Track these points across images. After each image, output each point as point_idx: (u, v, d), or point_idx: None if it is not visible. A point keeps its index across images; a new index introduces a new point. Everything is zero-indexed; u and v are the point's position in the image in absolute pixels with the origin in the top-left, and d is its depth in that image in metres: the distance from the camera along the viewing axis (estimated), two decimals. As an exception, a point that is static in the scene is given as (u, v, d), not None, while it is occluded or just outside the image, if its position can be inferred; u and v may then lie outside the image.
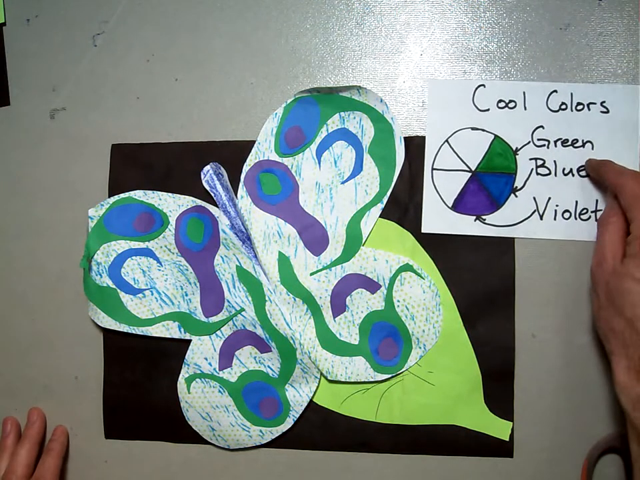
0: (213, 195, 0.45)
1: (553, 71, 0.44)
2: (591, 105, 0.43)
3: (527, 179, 0.44)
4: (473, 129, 0.44)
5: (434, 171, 0.44)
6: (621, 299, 0.36)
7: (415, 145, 0.45)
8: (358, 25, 0.46)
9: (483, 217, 0.44)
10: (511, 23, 0.44)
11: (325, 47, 0.46)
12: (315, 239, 0.45)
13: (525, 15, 0.44)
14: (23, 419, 0.49)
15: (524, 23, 0.44)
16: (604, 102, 0.43)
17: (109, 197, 0.47)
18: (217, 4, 0.47)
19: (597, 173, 0.42)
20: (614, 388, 0.36)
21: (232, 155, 0.46)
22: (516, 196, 0.44)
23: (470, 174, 0.44)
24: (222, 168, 0.46)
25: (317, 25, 0.46)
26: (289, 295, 0.45)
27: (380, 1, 0.46)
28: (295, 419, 0.45)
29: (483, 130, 0.44)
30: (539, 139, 0.44)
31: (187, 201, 0.46)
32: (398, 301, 0.44)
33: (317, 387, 0.45)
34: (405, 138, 0.44)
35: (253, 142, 0.46)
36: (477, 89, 0.44)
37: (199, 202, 0.46)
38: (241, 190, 0.45)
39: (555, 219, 0.43)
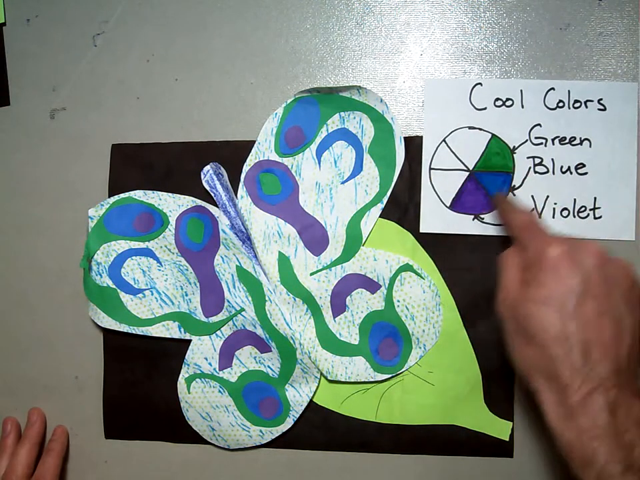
0: (212, 195, 0.45)
1: (552, 70, 0.44)
2: (588, 103, 0.43)
3: (525, 177, 0.44)
4: (470, 128, 0.44)
5: (431, 171, 0.44)
6: (530, 327, 0.34)
7: (415, 145, 0.45)
8: (358, 24, 0.46)
9: (481, 216, 0.44)
10: (511, 23, 0.44)
11: (325, 47, 0.46)
12: (314, 238, 0.45)
13: (525, 14, 0.44)
14: (23, 419, 0.49)
15: (524, 23, 0.44)
16: (601, 99, 0.43)
17: (109, 196, 0.47)
18: (217, 4, 0.47)
19: (497, 214, 0.42)
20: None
21: (232, 155, 0.46)
22: (514, 194, 0.44)
23: (467, 173, 0.44)
24: (222, 168, 0.46)
25: (317, 25, 0.46)
26: (289, 295, 0.45)
27: (380, 1, 0.46)
28: (295, 419, 0.45)
29: (480, 129, 0.44)
30: (536, 137, 0.44)
31: (187, 201, 0.46)
32: (398, 301, 0.44)
33: (317, 387, 0.45)
34: (404, 138, 0.44)
35: (253, 142, 0.46)
36: (473, 87, 0.44)
37: (199, 202, 0.46)
38: (241, 190, 0.45)
39: (553, 217, 0.43)
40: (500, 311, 0.37)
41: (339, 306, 0.45)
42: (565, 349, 0.33)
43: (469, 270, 0.44)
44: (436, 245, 0.44)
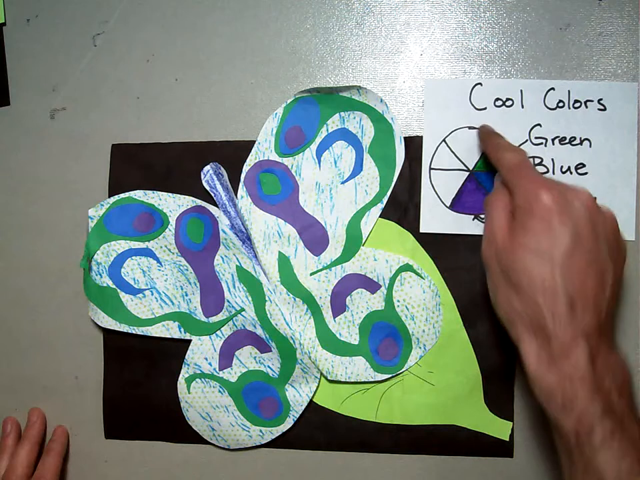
0: (212, 195, 0.45)
1: (552, 71, 0.44)
2: (588, 103, 0.43)
3: (526, 178, 0.44)
4: (470, 128, 0.44)
5: (431, 171, 0.44)
6: (517, 275, 0.34)
7: (415, 145, 0.44)
8: (358, 24, 0.46)
9: (482, 216, 0.44)
10: (511, 23, 0.44)
11: (325, 47, 0.46)
12: (314, 239, 0.45)
13: (525, 14, 0.44)
14: (22, 419, 0.49)
15: (524, 23, 0.44)
16: (601, 99, 0.43)
17: (109, 196, 0.47)
18: (217, 4, 0.47)
19: (483, 147, 0.41)
20: (526, 378, 0.34)
21: (232, 154, 0.46)
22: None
23: (467, 173, 0.44)
24: (222, 168, 0.46)
25: (317, 25, 0.46)
26: (289, 295, 0.45)
27: (380, 1, 0.46)
28: (295, 419, 0.45)
29: (481, 129, 0.44)
30: (536, 137, 0.44)
31: (187, 201, 0.46)
32: (398, 301, 0.44)
33: (317, 387, 0.45)
34: (405, 138, 0.44)
35: (253, 142, 0.46)
36: (473, 87, 0.44)
37: (199, 202, 0.46)
38: (241, 190, 0.45)
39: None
40: (485, 257, 0.37)
41: (339, 306, 0.45)
42: (552, 298, 0.33)
43: (469, 270, 0.44)
44: (436, 244, 0.44)
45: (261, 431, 0.46)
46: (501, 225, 0.36)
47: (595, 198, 0.35)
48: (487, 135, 0.41)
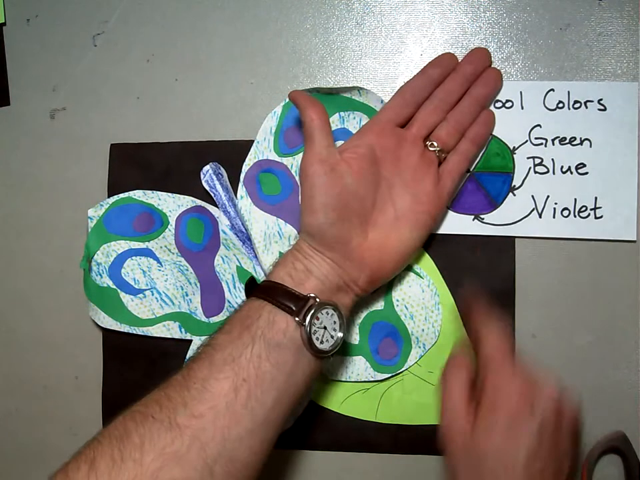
0: (212, 195, 0.45)
1: (552, 71, 0.44)
2: (588, 103, 0.43)
3: (525, 177, 0.44)
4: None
5: (433, 171, 0.44)
6: (479, 467, 0.33)
7: (415, 145, 0.44)
8: (358, 24, 0.46)
9: (481, 216, 0.44)
10: (511, 23, 0.44)
11: (325, 47, 0.46)
12: (314, 238, 0.45)
13: (525, 14, 0.44)
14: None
15: (524, 23, 0.44)
16: (601, 99, 0.43)
17: (109, 196, 0.47)
18: (217, 4, 0.47)
19: (468, 316, 0.39)
20: None
21: (231, 154, 0.46)
22: (514, 195, 0.44)
23: (467, 173, 0.44)
24: (221, 168, 0.46)
25: (317, 25, 0.46)
26: (288, 294, 0.45)
27: (380, 1, 0.46)
28: (295, 419, 0.45)
29: (482, 130, 0.44)
30: (536, 138, 0.44)
31: (187, 201, 0.46)
32: (397, 301, 0.44)
33: (317, 387, 0.45)
34: (404, 138, 0.44)
35: (253, 142, 0.46)
36: (474, 88, 0.44)
37: (199, 202, 0.46)
38: (241, 190, 0.45)
39: (553, 217, 0.43)
40: (445, 439, 0.36)
41: (339, 306, 0.45)
42: None
43: (470, 270, 0.44)
44: (436, 244, 0.44)
45: (261, 430, 0.46)
46: (460, 408, 0.35)
47: (561, 392, 0.34)
48: (473, 305, 0.39)
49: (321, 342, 0.36)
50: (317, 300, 0.36)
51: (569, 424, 0.34)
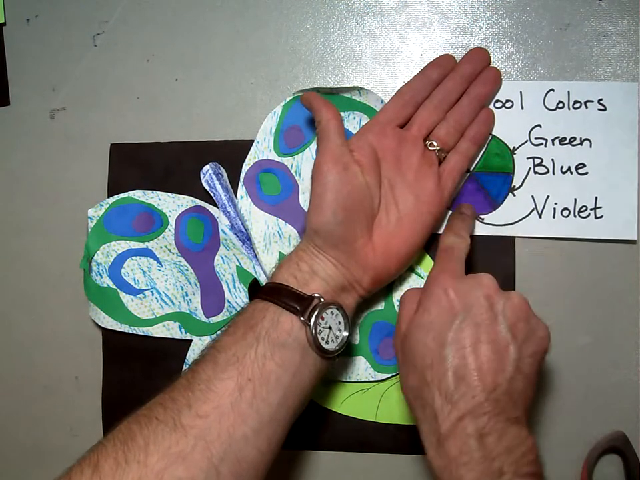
0: (212, 194, 0.45)
1: (552, 71, 0.44)
2: (588, 103, 0.43)
3: (525, 177, 0.44)
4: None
5: (433, 171, 0.44)
6: (411, 353, 0.34)
7: (415, 145, 0.44)
8: (358, 25, 0.46)
9: (482, 217, 0.44)
10: (511, 22, 0.44)
11: (325, 47, 0.46)
12: (314, 238, 0.45)
13: (525, 14, 0.44)
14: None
15: (524, 23, 0.44)
16: (601, 99, 0.43)
17: (108, 196, 0.47)
18: (217, 4, 0.47)
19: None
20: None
21: (231, 154, 0.46)
22: (514, 195, 0.44)
23: (467, 174, 0.44)
24: (221, 168, 0.46)
25: (317, 25, 0.46)
26: (288, 294, 0.45)
27: (380, 1, 0.46)
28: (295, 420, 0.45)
29: (482, 130, 0.44)
30: (536, 138, 0.44)
31: (187, 201, 0.46)
32: (397, 301, 0.44)
33: (317, 387, 0.45)
34: (404, 138, 0.44)
35: (253, 142, 0.46)
36: (474, 89, 0.44)
37: (199, 202, 0.46)
38: (241, 190, 0.45)
39: (553, 217, 0.43)
40: (394, 345, 0.37)
41: (339, 306, 0.45)
42: (439, 374, 0.32)
43: (470, 270, 0.44)
44: (436, 245, 0.44)
45: (261, 430, 0.46)
46: (408, 314, 0.36)
47: (496, 284, 0.35)
48: (454, 216, 0.41)
49: (327, 342, 0.36)
50: (322, 300, 0.36)
51: (506, 309, 0.34)
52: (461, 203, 0.43)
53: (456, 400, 0.32)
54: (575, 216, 0.43)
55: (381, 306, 0.44)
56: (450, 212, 0.44)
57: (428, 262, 0.44)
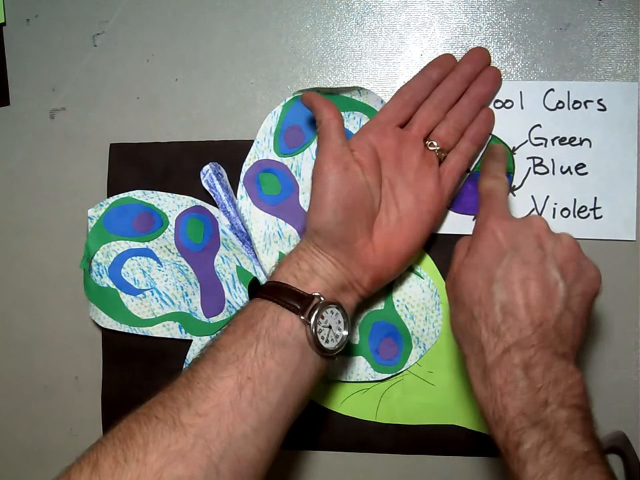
0: (212, 194, 0.45)
1: (552, 71, 0.44)
2: (588, 103, 0.43)
3: (525, 177, 0.44)
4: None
5: (433, 171, 0.44)
6: (460, 290, 0.35)
7: (415, 145, 0.44)
8: (358, 25, 0.46)
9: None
10: (511, 22, 0.45)
11: (325, 47, 0.46)
12: (314, 238, 0.45)
13: (525, 14, 0.44)
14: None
15: (524, 23, 0.44)
16: (601, 99, 0.43)
17: (108, 196, 0.47)
18: (217, 4, 0.47)
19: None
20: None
21: (231, 154, 0.46)
22: (514, 195, 0.44)
23: (467, 174, 0.44)
24: (221, 168, 0.46)
25: (317, 25, 0.46)
26: (288, 294, 0.45)
27: (380, 1, 0.46)
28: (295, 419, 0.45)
29: (482, 130, 0.44)
30: (536, 138, 0.44)
31: (187, 201, 0.46)
32: (397, 301, 0.44)
33: (317, 387, 0.45)
34: (404, 138, 0.44)
35: (253, 142, 0.46)
36: (474, 89, 0.44)
37: (199, 202, 0.46)
38: (241, 190, 0.45)
39: (553, 217, 0.43)
40: (446, 288, 0.38)
41: (339, 306, 0.45)
42: (486, 309, 0.33)
43: None
44: (436, 245, 0.44)
45: (261, 430, 0.46)
46: (459, 257, 0.37)
47: (547, 225, 0.35)
48: (487, 160, 0.41)
49: (326, 341, 0.36)
50: (322, 299, 0.37)
51: (555, 250, 0.34)
52: (492, 144, 0.43)
53: (503, 332, 0.32)
54: (574, 216, 0.43)
55: (380, 306, 0.44)
56: (450, 212, 0.44)
57: (428, 262, 0.44)
